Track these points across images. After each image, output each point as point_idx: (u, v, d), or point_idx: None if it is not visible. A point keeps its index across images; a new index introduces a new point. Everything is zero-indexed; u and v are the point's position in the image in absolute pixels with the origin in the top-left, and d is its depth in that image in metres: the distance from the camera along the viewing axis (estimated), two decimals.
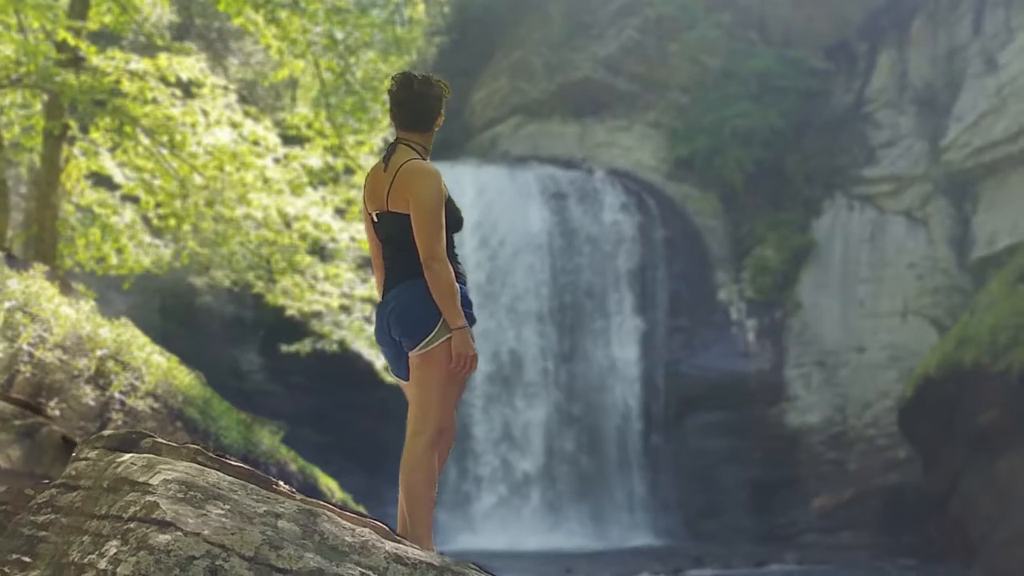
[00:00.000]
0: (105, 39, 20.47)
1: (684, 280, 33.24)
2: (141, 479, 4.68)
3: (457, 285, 5.94)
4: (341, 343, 21.25)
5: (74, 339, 13.52)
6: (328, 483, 19.26)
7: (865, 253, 32.33)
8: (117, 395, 13.77)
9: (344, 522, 4.98)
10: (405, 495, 5.94)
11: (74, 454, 5.22)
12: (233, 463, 5.19)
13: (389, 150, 6.19)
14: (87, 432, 12.44)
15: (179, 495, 4.60)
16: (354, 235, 21.01)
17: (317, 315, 20.94)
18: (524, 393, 31.81)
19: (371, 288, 22.20)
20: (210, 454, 5.15)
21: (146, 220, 20.88)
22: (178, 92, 18.73)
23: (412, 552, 5.05)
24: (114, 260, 21.04)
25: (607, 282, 33.01)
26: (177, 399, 15.44)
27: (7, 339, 12.81)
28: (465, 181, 32.59)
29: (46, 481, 5.21)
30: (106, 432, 5.54)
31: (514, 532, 29.75)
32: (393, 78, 6.37)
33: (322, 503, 5.21)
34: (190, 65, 18.60)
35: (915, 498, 28.59)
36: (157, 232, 21.11)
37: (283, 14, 19.24)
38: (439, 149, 25.67)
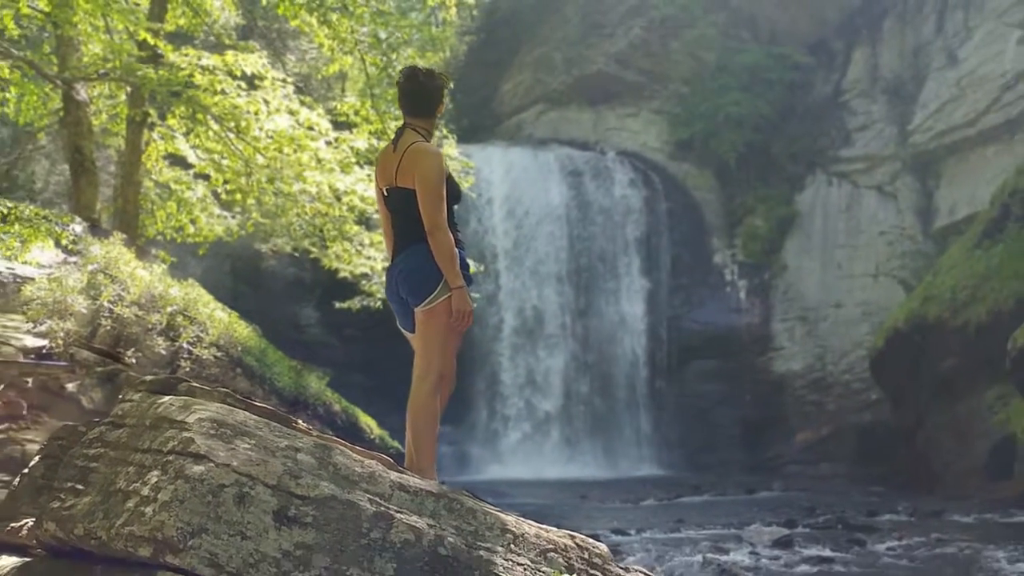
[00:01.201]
0: (180, 39, 20.45)
1: (684, 246, 33.18)
2: (178, 418, 4.67)
3: (456, 250, 5.95)
4: (384, 301, 21.28)
5: (148, 297, 13.55)
6: (368, 421, 19.30)
7: (842, 222, 32.21)
8: (185, 345, 13.81)
9: (354, 455, 4.97)
10: (411, 432, 5.95)
11: (120, 396, 5.23)
12: (258, 404, 5.20)
13: (398, 133, 6.18)
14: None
15: (211, 431, 4.58)
16: None
17: (365, 276, 20.91)
18: (545, 344, 31.84)
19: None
20: (238, 396, 5.15)
21: (215, 195, 20.93)
22: (243, 84, 18.70)
23: (413, 481, 5.04)
24: (191, 229, 21.15)
25: (617, 248, 32.95)
26: (237, 349, 15.48)
27: (90, 297, 12.86)
28: (494, 161, 32.70)
29: (96, 420, 5.22)
30: (148, 377, 5.54)
31: (536, 464, 29.82)
32: (401, 72, 6.36)
33: (335, 439, 5.21)
34: (253, 61, 18.56)
35: (884, 434, 28.54)
36: (225, 205, 21.18)
37: (334, 16, 19.20)
38: (473, 132, 25.81)
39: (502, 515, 5.14)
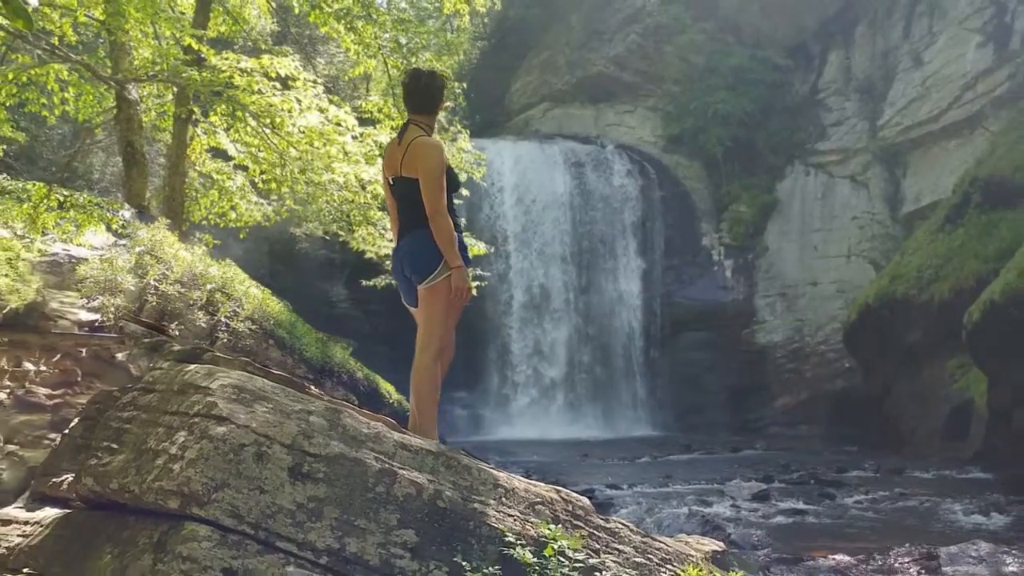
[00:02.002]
0: (221, 44, 20.44)
1: (676, 229, 33.10)
2: (203, 384, 4.69)
3: (455, 234, 5.94)
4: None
5: (189, 276, 13.57)
6: (387, 387, 19.36)
7: (818, 209, 32.12)
8: (223, 319, 13.84)
9: (361, 418, 4.99)
10: (414, 396, 5.96)
11: (150, 365, 5.24)
12: (275, 372, 5.20)
13: (403, 128, 6.21)
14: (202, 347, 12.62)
15: (232, 396, 4.60)
16: None
17: (388, 257, 20.92)
18: (551, 318, 31.82)
19: None
20: (256, 365, 5.16)
21: (253, 184, 20.91)
22: (278, 85, 18.65)
23: (414, 441, 5.04)
24: (233, 215, 21.17)
25: (615, 231, 32.88)
26: (269, 322, 15.51)
27: (138, 276, 12.89)
28: (505, 153, 32.64)
29: (129, 385, 5.23)
30: (176, 347, 5.55)
31: (543, 425, 29.85)
32: (406, 72, 6.37)
33: (345, 403, 5.21)
34: (287, 64, 18.50)
35: (856, 400, 28.49)
36: (262, 193, 21.16)
37: (359, 24, 19.15)
38: (486, 128, 25.68)
39: (494, 471, 5.15)
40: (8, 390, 11.92)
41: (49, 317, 12.65)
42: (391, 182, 6.15)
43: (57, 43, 17.33)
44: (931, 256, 25.24)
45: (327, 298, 28.68)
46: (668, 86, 34.94)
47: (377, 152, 20.32)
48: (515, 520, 4.88)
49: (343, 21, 19.11)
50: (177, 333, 12.73)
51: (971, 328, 20.82)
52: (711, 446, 26.39)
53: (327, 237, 23.43)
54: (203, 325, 13.39)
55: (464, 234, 18.31)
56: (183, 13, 18.88)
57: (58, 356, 12.05)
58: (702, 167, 33.70)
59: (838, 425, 28.67)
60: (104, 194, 23.74)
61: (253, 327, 14.69)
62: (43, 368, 12.39)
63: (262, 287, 16.86)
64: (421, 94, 6.17)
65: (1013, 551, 11.90)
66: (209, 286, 13.92)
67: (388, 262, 21.16)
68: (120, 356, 12.18)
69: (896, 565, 11.32)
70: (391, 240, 21.40)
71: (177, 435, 4.47)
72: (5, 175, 19.10)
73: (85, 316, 12.67)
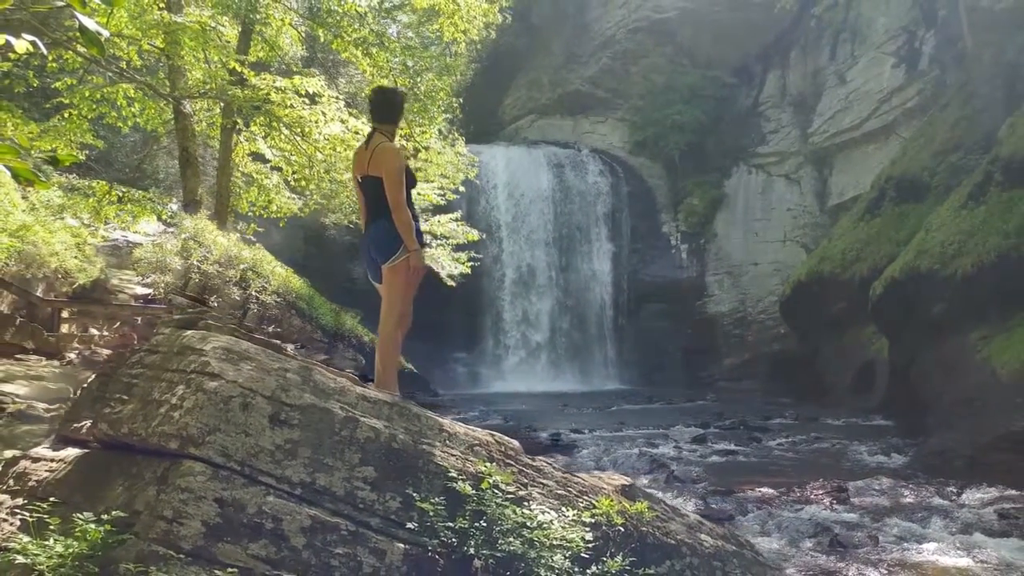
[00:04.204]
0: (259, 67, 20.36)
1: (640, 219, 32.92)
2: (198, 346, 4.70)
3: (413, 222, 5.93)
4: None
5: (226, 258, 13.61)
6: None
7: (759, 202, 31.96)
8: (253, 293, 13.88)
9: (329, 374, 4.99)
10: (379, 357, 5.96)
11: (155, 330, 5.25)
12: (258, 336, 5.20)
13: (369, 135, 6.17)
14: (236, 317, 12.63)
15: (223, 356, 4.61)
16: (419, 191, 20.92)
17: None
18: (536, 292, 31.69)
19: (432, 224, 22.10)
20: (242, 331, 5.16)
21: (286, 182, 20.92)
22: (306, 100, 18.61)
23: (374, 394, 5.05)
24: (274, 207, 21.18)
25: (590, 221, 32.73)
26: (292, 296, 15.56)
27: (183, 257, 12.92)
28: (498, 157, 32.48)
29: (136, 347, 5.24)
30: (175, 316, 5.56)
31: (530, 380, 29.80)
32: (372, 89, 6.33)
33: (316, 362, 5.22)
34: (314, 83, 18.45)
35: (790, 360, 28.39)
36: (294, 190, 21.16)
37: (374, 50, 19.11)
38: (482, 135, 25.43)
39: (439, 419, 5.16)
40: (77, 351, 11.98)
41: (110, 291, 12.70)
42: (359, 180, 6.14)
43: (125, 67, 17.30)
44: (853, 241, 25.16)
45: (349, 276, 28.52)
46: (634, 101, 34.71)
47: None
48: (457, 459, 4.89)
49: (360, 48, 19.08)
50: (215, 305, 12.78)
51: (875, 300, 20.84)
52: (671, 397, 26.30)
53: (351, 225, 23.39)
54: (237, 298, 13.43)
55: (458, 223, 18.17)
56: (228, 42, 18.83)
57: (118, 324, 12.11)
58: (662, 167, 33.53)
59: (775, 381, 28.59)
60: (168, 191, 23.73)
61: (278, 300, 14.71)
62: (106, 333, 12.45)
63: (286, 267, 16.88)
64: (384, 107, 6.14)
65: (910, 485, 11.92)
66: (242, 266, 13.96)
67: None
68: None
69: (812, 496, 11.30)
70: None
71: (177, 388, 4.50)
72: (74, 175, 19.10)
73: (140, 291, 12.72)
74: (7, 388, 9.87)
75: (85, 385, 5.21)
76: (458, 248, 22.63)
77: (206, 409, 4.32)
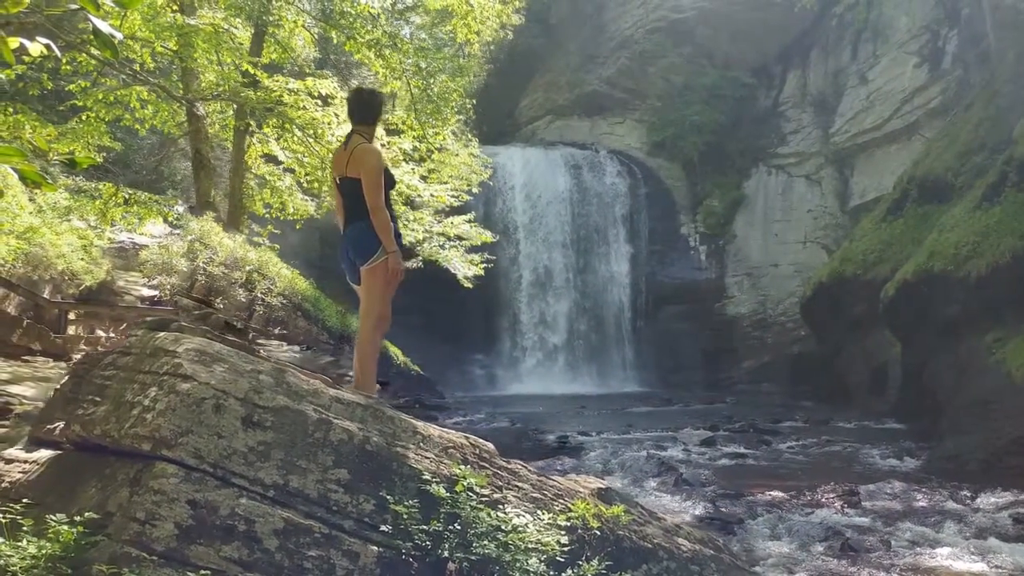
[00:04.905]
0: (272, 69, 20.47)
1: (658, 221, 32.73)
2: (171, 348, 4.71)
3: (392, 224, 5.92)
4: (425, 260, 21.16)
5: (232, 259, 13.66)
6: (395, 351, 19.38)
7: (779, 203, 31.75)
8: (259, 295, 13.92)
9: (303, 376, 4.99)
10: (358, 359, 5.96)
11: (129, 333, 5.27)
12: (231, 339, 5.22)
13: (347, 137, 6.17)
14: (241, 318, 12.66)
15: (195, 358, 4.62)
16: (433, 193, 20.93)
17: (411, 244, 20.88)
18: (554, 293, 31.58)
19: (444, 226, 22.11)
20: (214, 333, 5.17)
21: (299, 184, 20.99)
22: (319, 102, 18.70)
23: (347, 396, 5.05)
24: (290, 209, 21.25)
25: (608, 222, 32.58)
26: (298, 297, 15.58)
27: (189, 259, 13.00)
28: (515, 158, 32.47)
29: (109, 349, 5.27)
30: (148, 319, 5.58)
31: (547, 382, 29.71)
32: (350, 91, 6.32)
33: (289, 364, 5.23)
34: (326, 85, 18.56)
35: (810, 362, 28.19)
36: (307, 192, 21.22)
37: (387, 52, 19.12)
38: (499, 136, 25.43)
39: (414, 421, 5.16)
40: (83, 353, 12.06)
41: (117, 293, 12.80)
42: (338, 182, 6.13)
43: (138, 69, 17.44)
44: (875, 242, 24.95)
45: None
46: (652, 101, 34.57)
47: (401, 157, 20.29)
48: (431, 461, 4.88)
49: (373, 49, 19.11)
50: (221, 307, 12.84)
51: (887, 302, 20.68)
52: (689, 400, 26.15)
53: None
54: (243, 300, 13.49)
55: (472, 225, 18.13)
56: (241, 44, 18.95)
57: (124, 325, 12.19)
58: (681, 168, 33.36)
59: (795, 383, 28.40)
60: (184, 193, 23.90)
61: (284, 301, 14.76)
62: (112, 335, 12.55)
63: (291, 268, 16.92)
64: (363, 108, 6.14)
65: (923, 489, 11.82)
66: (248, 268, 14.01)
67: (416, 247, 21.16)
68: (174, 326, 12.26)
69: (823, 500, 11.24)
70: (413, 229, 21.29)
71: (149, 390, 4.50)
72: (91, 177, 19.27)
73: (146, 292, 12.80)
74: (14, 389, 9.98)
75: (58, 386, 5.25)
76: (473, 249, 22.60)
77: (179, 411, 4.34)
